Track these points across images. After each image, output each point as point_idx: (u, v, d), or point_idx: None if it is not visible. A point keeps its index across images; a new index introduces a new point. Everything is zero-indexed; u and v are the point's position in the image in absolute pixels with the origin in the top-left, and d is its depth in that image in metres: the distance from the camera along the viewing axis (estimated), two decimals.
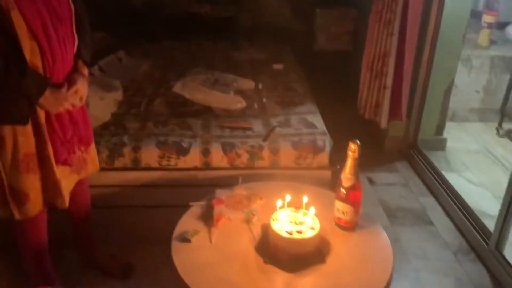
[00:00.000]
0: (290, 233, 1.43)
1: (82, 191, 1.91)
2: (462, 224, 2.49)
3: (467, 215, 2.50)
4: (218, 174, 2.12)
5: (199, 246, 1.51)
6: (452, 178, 2.85)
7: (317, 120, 2.39)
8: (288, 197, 1.55)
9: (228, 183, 1.87)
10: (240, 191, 1.75)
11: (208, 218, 1.63)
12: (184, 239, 1.52)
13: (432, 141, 3.22)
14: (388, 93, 2.89)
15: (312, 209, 1.50)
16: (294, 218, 1.50)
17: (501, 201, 2.17)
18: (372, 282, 1.39)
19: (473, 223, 2.43)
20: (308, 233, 1.44)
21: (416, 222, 2.56)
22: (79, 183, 1.82)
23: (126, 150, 2.11)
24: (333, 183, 2.14)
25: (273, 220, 1.48)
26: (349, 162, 1.52)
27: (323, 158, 2.16)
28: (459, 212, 2.54)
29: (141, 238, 2.15)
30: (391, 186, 2.89)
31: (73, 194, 1.79)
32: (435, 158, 3.08)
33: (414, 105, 3.09)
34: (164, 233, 1.60)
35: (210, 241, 1.53)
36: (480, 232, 2.36)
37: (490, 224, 2.29)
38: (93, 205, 1.99)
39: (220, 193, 1.74)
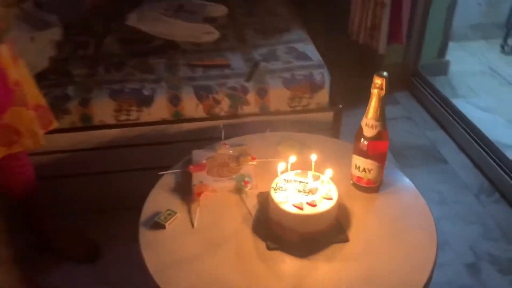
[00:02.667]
0: (300, 207, 1.04)
1: (20, 167, 1.48)
2: (480, 159, 2.17)
3: (485, 148, 2.17)
4: (193, 127, 1.69)
5: (176, 234, 1.11)
6: (459, 105, 2.49)
7: (310, 50, 1.94)
8: (292, 159, 1.14)
9: (207, 138, 1.46)
10: (224, 149, 1.34)
11: (185, 191, 1.22)
12: (156, 225, 1.12)
13: (433, 65, 2.82)
14: (386, 11, 2.42)
15: (329, 172, 1.10)
16: (302, 185, 1.10)
17: None
18: (417, 260, 1.04)
19: (493, 157, 2.11)
20: (324, 205, 1.05)
21: (428, 161, 2.22)
22: (13, 159, 1.38)
23: (73, 105, 1.65)
24: (336, 127, 1.75)
25: (274, 190, 1.09)
26: (374, 103, 1.11)
27: (323, 96, 1.74)
28: (475, 144, 2.21)
29: (104, 211, 1.75)
30: (393, 121, 2.52)
31: (7, 170, 1.37)
32: (439, 84, 2.71)
33: (415, 24, 2.65)
34: (133, 203, 1.23)
35: (192, 225, 1.13)
36: (503, 166, 2.04)
37: None
38: (39, 177, 1.55)
39: (198, 155, 1.33)
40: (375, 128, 1.12)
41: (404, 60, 2.79)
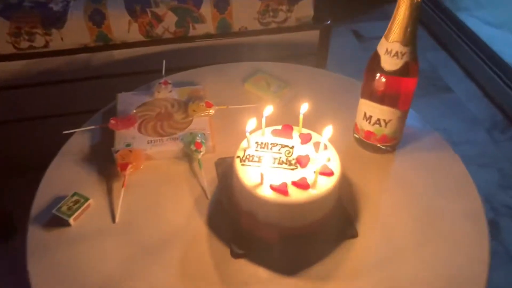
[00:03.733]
0: (283, 190, 0.64)
1: None
2: (492, 85, 1.79)
3: (497, 71, 1.78)
4: (124, 55, 1.21)
5: (87, 234, 0.70)
6: (466, 21, 2.07)
7: None
8: (268, 110, 0.71)
9: (144, 72, 1.01)
10: (165, 92, 0.89)
11: (104, 162, 0.79)
12: (54, 220, 0.70)
13: None
14: None
15: (328, 130, 0.68)
16: (285, 151, 0.69)
17: None
18: (464, 264, 0.67)
19: (509, 82, 1.73)
20: (320, 184, 0.65)
21: (428, 90, 1.83)
22: None
23: None
24: (322, 53, 1.31)
25: (241, 161, 0.67)
26: (404, 16, 0.67)
27: (305, 8, 1.27)
28: (486, 67, 1.82)
29: (9, 173, 1.31)
30: None
31: None
32: None
33: None
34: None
35: (113, 219, 0.72)
36: None
37: None
38: None
39: (125, 101, 0.88)
40: (402, 57, 0.69)
41: None
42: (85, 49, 1.20)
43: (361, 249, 0.69)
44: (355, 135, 0.82)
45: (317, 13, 1.29)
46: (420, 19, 0.69)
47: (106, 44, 1.20)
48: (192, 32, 1.23)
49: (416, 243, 0.69)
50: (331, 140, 0.68)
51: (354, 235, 0.70)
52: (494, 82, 1.77)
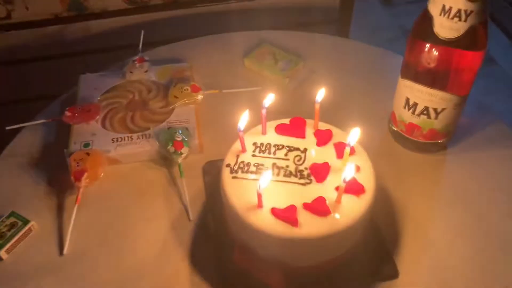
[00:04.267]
0: (289, 217, 0.43)
1: None
2: None
3: None
4: (103, 28, 1.00)
5: (24, 273, 0.51)
6: None
7: None
8: (270, 98, 0.50)
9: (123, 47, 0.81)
10: (139, 72, 0.69)
11: (57, 170, 0.60)
12: None
13: None
14: None
15: (356, 132, 0.47)
16: (294, 156, 0.48)
17: None
18: None
19: None
20: (346, 208, 0.44)
21: None
22: None
23: None
24: (344, 17, 1.08)
25: (232, 170, 0.47)
26: None
27: None
28: None
29: None
30: (416, 4, 1.83)
31: None
32: None
33: None
34: None
35: (60, 251, 0.52)
36: None
37: None
38: None
39: (89, 85, 0.68)
40: (467, 18, 0.47)
41: None
42: (55, 20, 0.99)
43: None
44: (392, 127, 0.61)
45: None
46: None
47: (81, 13, 1.00)
48: None
49: (478, 282, 0.48)
50: (360, 138, 0.47)
51: (394, 274, 0.49)
52: None
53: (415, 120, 0.56)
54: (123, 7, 1.01)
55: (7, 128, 0.63)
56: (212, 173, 0.58)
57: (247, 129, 0.49)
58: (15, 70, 1.01)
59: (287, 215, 0.44)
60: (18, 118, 0.64)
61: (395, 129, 0.60)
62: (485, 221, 0.54)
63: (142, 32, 0.75)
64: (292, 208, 0.44)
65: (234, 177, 0.47)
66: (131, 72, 0.68)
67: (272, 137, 0.51)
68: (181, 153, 0.58)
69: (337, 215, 0.44)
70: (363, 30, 1.34)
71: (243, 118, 0.48)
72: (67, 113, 0.62)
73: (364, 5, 1.77)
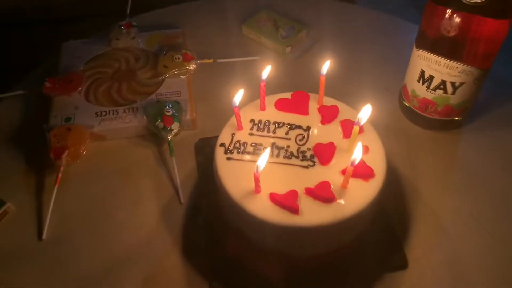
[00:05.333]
0: (289, 204, 0.39)
1: None
2: None
3: None
4: None
5: (0, 258, 0.47)
6: None
7: None
8: (267, 70, 0.45)
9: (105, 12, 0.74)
10: (127, 39, 0.63)
11: (36, 146, 0.54)
12: None
13: None
14: None
15: (367, 109, 0.41)
16: (296, 134, 0.43)
17: None
18: None
19: None
20: (353, 194, 0.40)
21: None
22: None
23: None
24: None
25: (226, 150, 0.42)
26: None
27: None
28: None
29: None
30: None
31: None
32: None
33: None
34: None
35: (39, 235, 0.48)
36: None
37: None
38: None
39: (72, 54, 0.62)
40: None
41: None
42: None
43: (412, 285, 0.44)
44: (404, 102, 0.56)
45: None
46: None
47: None
48: None
49: (496, 274, 0.44)
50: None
51: (404, 265, 0.45)
52: None
53: (430, 95, 0.51)
54: None
55: None
56: (205, 152, 0.53)
57: (244, 103, 0.44)
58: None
59: (287, 201, 0.39)
60: None
61: (407, 104, 0.55)
62: (503, 206, 0.49)
63: None
64: (292, 194, 0.39)
65: (228, 158, 0.42)
66: (117, 39, 0.62)
67: (272, 114, 0.45)
68: (171, 129, 0.53)
69: (342, 202, 0.39)
70: None
71: (239, 94, 0.42)
72: (47, 84, 0.57)
73: None
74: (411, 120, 0.55)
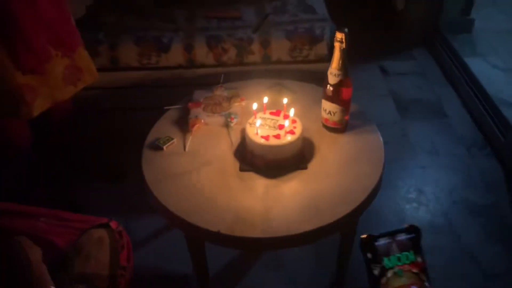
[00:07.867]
0: (266, 138, 1.28)
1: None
2: (479, 115, 2.28)
3: (485, 106, 2.27)
4: (203, 72, 1.93)
5: (171, 154, 1.39)
6: (476, 64, 2.55)
7: (318, 3, 2.09)
8: (265, 99, 1.37)
9: (215, 82, 1.69)
10: (220, 91, 1.57)
11: (183, 123, 1.48)
12: (156, 146, 1.40)
13: (457, 23, 2.85)
14: None
15: (292, 111, 1.32)
16: (273, 122, 1.33)
17: None
18: (357, 187, 1.25)
19: (492, 114, 2.21)
20: (287, 138, 1.28)
21: (429, 115, 2.36)
22: None
23: (103, 49, 1.92)
24: None
25: (249, 125, 1.32)
26: (336, 55, 1.29)
27: (321, 48, 1.91)
28: (478, 102, 2.31)
29: (127, 141, 2.06)
30: (406, 76, 2.64)
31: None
32: (459, 42, 2.75)
33: None
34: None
35: (184, 149, 1.40)
36: (498, 124, 2.15)
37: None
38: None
39: (198, 94, 1.57)
40: (338, 76, 1.31)
41: (425, 16, 2.83)
42: (179, 66, 1.94)
43: (307, 174, 1.30)
44: (321, 120, 1.44)
45: (330, 52, 1.92)
46: (347, 60, 1.29)
47: (192, 64, 1.93)
48: (245, 60, 1.92)
49: (337, 174, 1.29)
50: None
51: (304, 167, 1.31)
52: (480, 112, 2.25)
53: (327, 116, 1.38)
54: (213, 63, 1.93)
55: (165, 108, 1.53)
56: (244, 132, 1.44)
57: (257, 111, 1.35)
58: (159, 90, 1.95)
59: (265, 137, 1.28)
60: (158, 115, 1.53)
61: (322, 123, 1.42)
62: (352, 156, 1.34)
63: (222, 75, 1.64)
64: (267, 135, 1.28)
65: (249, 125, 1.32)
66: (216, 91, 1.57)
67: (267, 115, 1.36)
68: (232, 122, 1.44)
69: (284, 139, 1.28)
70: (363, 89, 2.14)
71: (255, 105, 1.34)
72: (190, 104, 1.51)
73: (368, 74, 2.61)
74: (324, 127, 1.43)
